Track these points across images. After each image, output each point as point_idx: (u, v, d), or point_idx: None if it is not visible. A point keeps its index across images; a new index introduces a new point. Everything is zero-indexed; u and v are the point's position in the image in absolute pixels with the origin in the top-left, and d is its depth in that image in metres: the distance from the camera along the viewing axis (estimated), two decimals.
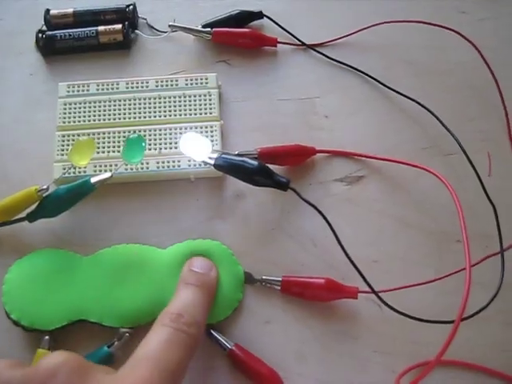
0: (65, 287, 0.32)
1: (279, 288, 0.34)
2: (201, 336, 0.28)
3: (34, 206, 0.34)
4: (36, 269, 0.33)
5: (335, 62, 0.42)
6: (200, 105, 0.39)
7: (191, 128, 0.38)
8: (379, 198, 0.37)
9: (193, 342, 0.27)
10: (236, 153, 0.36)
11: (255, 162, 0.34)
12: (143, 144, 0.35)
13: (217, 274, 0.33)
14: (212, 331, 0.33)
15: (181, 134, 0.38)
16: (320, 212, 0.33)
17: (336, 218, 0.33)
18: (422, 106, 0.40)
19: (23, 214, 0.34)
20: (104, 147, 0.38)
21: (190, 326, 0.28)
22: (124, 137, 0.38)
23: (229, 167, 0.35)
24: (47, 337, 0.31)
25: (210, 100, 0.39)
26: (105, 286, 0.33)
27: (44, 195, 0.34)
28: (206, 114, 0.39)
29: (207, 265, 0.33)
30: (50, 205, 0.34)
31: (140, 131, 0.38)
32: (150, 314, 0.32)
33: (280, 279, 0.34)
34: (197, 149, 0.35)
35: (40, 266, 0.33)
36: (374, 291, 0.31)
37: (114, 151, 0.37)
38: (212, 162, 0.35)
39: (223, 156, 0.35)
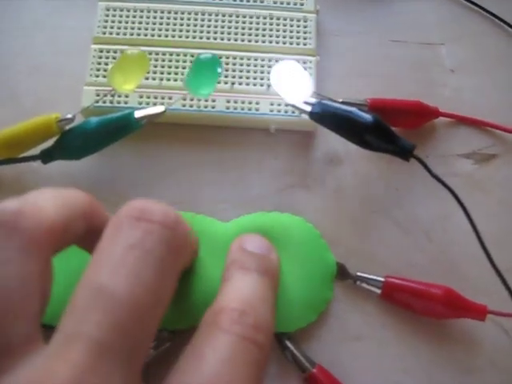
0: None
1: (379, 292, 0.27)
2: (270, 346, 0.20)
3: (51, 142, 0.28)
4: None
5: (468, 3, 0.35)
6: (291, 31, 0.31)
7: (276, 60, 0.30)
8: None
9: (264, 356, 0.19)
10: (340, 100, 0.28)
11: (369, 116, 0.26)
12: (219, 70, 0.27)
13: (278, 258, 0.24)
14: (288, 343, 0.25)
15: (262, 66, 0.30)
16: (459, 200, 0.26)
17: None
18: None
19: (36, 151, 0.28)
20: (155, 72, 0.29)
21: (259, 330, 0.19)
22: (184, 61, 0.30)
23: (331, 118, 0.27)
24: None
25: (305, 28, 0.31)
26: None
27: (66, 128, 0.28)
28: (298, 44, 0.30)
29: (265, 245, 0.24)
30: (73, 142, 0.28)
31: None
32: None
33: (382, 279, 0.27)
34: (292, 86, 0.27)
35: None
36: None
37: (168, 79, 0.29)
38: (308, 108, 0.27)
39: (325, 102, 0.27)
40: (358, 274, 0.27)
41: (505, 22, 0.34)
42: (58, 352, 0.15)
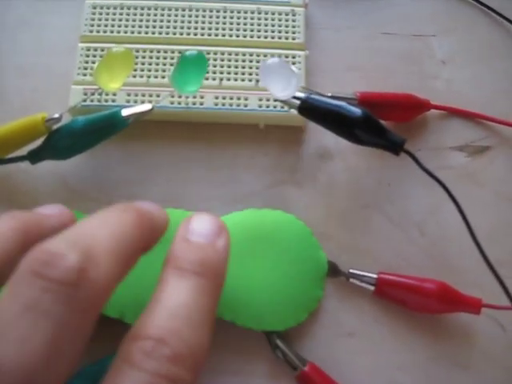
0: None
1: (373, 288, 0.26)
2: (198, 374, 0.16)
3: (38, 142, 0.27)
4: None
5: None
6: (280, 26, 0.30)
7: (265, 55, 0.29)
8: (511, 179, 0.29)
9: None
10: (329, 95, 0.27)
11: (358, 110, 0.25)
12: (205, 66, 0.26)
13: (227, 242, 0.20)
14: (278, 342, 0.24)
15: (251, 61, 0.29)
16: (449, 193, 0.25)
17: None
18: None
19: (23, 152, 0.27)
20: (143, 70, 0.29)
21: (178, 362, 0.15)
22: (172, 58, 0.29)
23: (320, 113, 0.26)
24: None
25: (294, 22, 0.30)
26: None
27: (54, 127, 0.27)
28: (286, 39, 0.30)
29: (213, 227, 0.20)
30: (61, 141, 0.27)
31: None
32: None
33: (375, 276, 0.26)
34: (280, 82, 0.26)
35: None
36: None
37: (156, 76, 0.29)
38: (297, 103, 0.26)
39: (313, 97, 0.26)
40: (351, 271, 0.26)
41: (495, 12, 0.33)
42: None
